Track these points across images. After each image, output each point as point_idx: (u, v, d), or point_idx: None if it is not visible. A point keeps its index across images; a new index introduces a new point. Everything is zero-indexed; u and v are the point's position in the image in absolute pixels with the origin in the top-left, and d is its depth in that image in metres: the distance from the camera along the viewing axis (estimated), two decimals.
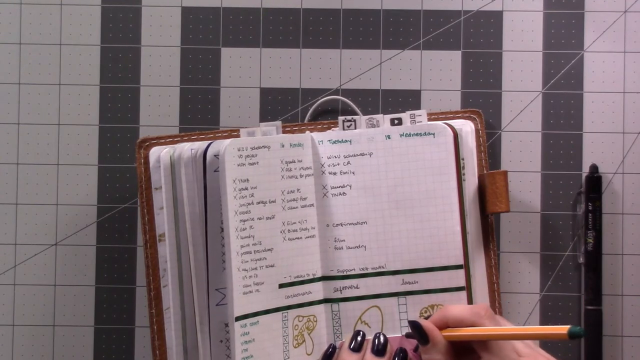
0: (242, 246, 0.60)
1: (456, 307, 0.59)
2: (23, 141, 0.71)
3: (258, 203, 0.61)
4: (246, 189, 0.60)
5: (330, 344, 0.63)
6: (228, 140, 0.61)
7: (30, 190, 0.70)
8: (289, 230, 0.62)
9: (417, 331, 0.58)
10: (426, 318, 0.60)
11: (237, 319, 0.59)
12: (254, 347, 0.60)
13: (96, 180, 0.71)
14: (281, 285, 0.62)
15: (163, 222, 0.64)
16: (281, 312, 0.61)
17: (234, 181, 0.60)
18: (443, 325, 0.59)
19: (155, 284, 0.65)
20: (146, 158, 0.65)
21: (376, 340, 0.62)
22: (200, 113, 0.71)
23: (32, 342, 0.70)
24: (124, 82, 0.71)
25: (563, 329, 0.52)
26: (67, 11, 0.71)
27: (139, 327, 0.70)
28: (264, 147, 0.62)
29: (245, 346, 0.59)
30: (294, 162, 0.63)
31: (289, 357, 0.62)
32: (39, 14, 0.71)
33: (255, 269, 0.60)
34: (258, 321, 0.60)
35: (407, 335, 0.62)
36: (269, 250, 0.61)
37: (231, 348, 0.60)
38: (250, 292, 0.60)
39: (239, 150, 0.60)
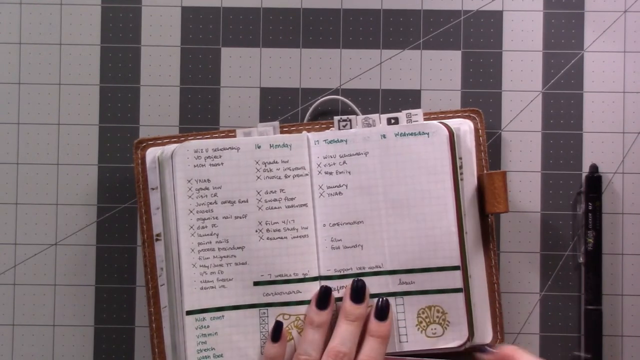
0: (199, 243, 0.63)
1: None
2: (23, 141, 0.71)
3: (223, 202, 0.63)
4: (207, 188, 0.63)
5: (322, 285, 0.63)
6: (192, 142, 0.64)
7: (30, 190, 0.71)
8: (267, 230, 0.63)
9: None
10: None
11: (190, 312, 0.62)
12: (216, 340, 0.63)
13: (96, 180, 0.71)
14: (256, 283, 0.63)
15: (159, 222, 0.65)
16: (258, 308, 0.63)
17: (189, 181, 0.63)
18: None
19: (153, 283, 0.66)
20: (143, 159, 0.65)
21: (354, 284, 0.63)
22: (200, 113, 0.71)
23: (32, 342, 0.70)
24: (124, 82, 0.71)
25: None
26: (67, 11, 0.71)
27: (139, 326, 0.70)
28: (232, 148, 0.64)
29: (204, 339, 0.62)
30: (276, 162, 0.64)
31: None
32: (39, 14, 0.71)
33: (220, 265, 0.63)
34: (223, 315, 0.63)
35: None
36: (239, 248, 0.63)
37: (177, 340, 0.63)
38: (212, 287, 0.63)
39: (195, 152, 0.63)
